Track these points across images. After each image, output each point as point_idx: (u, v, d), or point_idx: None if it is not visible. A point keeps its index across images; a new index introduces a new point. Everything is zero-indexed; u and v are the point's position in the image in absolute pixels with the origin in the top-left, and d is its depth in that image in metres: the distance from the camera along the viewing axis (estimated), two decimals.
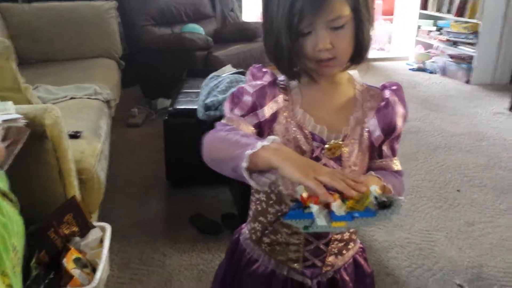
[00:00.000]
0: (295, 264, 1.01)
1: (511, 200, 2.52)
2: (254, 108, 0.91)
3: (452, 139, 3.36)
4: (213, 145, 0.86)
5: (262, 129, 0.93)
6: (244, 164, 0.74)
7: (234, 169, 0.77)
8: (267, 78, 0.93)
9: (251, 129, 0.90)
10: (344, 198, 0.77)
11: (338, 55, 0.86)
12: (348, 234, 1.02)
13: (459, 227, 2.27)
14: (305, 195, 0.75)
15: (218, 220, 2.25)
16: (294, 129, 0.92)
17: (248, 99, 0.91)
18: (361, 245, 1.10)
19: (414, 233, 2.21)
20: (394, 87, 0.97)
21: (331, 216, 0.77)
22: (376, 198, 0.76)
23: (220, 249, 2.07)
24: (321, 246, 0.99)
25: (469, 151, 3.15)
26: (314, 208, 0.75)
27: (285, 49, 0.85)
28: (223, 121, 0.92)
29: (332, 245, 1.00)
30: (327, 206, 0.77)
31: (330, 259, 1.01)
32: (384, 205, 0.76)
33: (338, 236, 1.00)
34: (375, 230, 2.21)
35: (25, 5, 3.47)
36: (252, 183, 0.77)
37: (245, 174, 0.75)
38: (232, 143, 0.80)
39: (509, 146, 3.24)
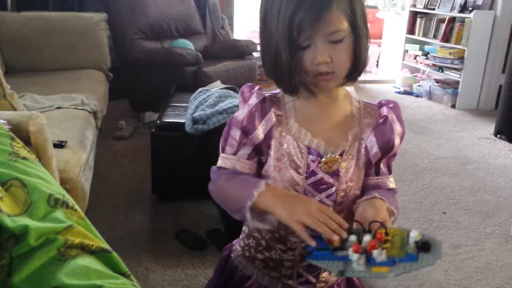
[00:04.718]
0: (289, 281, 1.00)
1: (496, 224, 2.53)
2: (245, 136, 0.91)
3: (437, 162, 3.39)
4: (218, 197, 0.95)
5: (261, 150, 0.93)
6: (248, 217, 0.86)
7: (242, 218, 0.89)
8: (253, 100, 0.92)
9: (247, 164, 0.93)
10: (379, 241, 0.77)
11: (336, 69, 0.86)
12: None
13: (444, 249, 2.27)
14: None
15: (203, 235, 2.22)
16: (289, 143, 0.91)
17: (235, 132, 0.92)
18: None
19: None
20: (391, 105, 0.97)
21: (369, 260, 0.77)
22: (416, 243, 0.77)
23: (205, 265, 2.03)
24: None
25: (454, 174, 3.18)
26: (354, 256, 0.76)
27: (284, 63, 0.85)
28: (219, 163, 0.95)
29: None
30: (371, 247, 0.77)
31: (324, 275, 1.00)
32: (424, 249, 0.77)
33: None
34: None
35: (14, 14, 3.43)
36: (263, 226, 0.91)
37: (254, 224, 0.89)
38: (234, 196, 0.90)
39: (493, 170, 3.27)
